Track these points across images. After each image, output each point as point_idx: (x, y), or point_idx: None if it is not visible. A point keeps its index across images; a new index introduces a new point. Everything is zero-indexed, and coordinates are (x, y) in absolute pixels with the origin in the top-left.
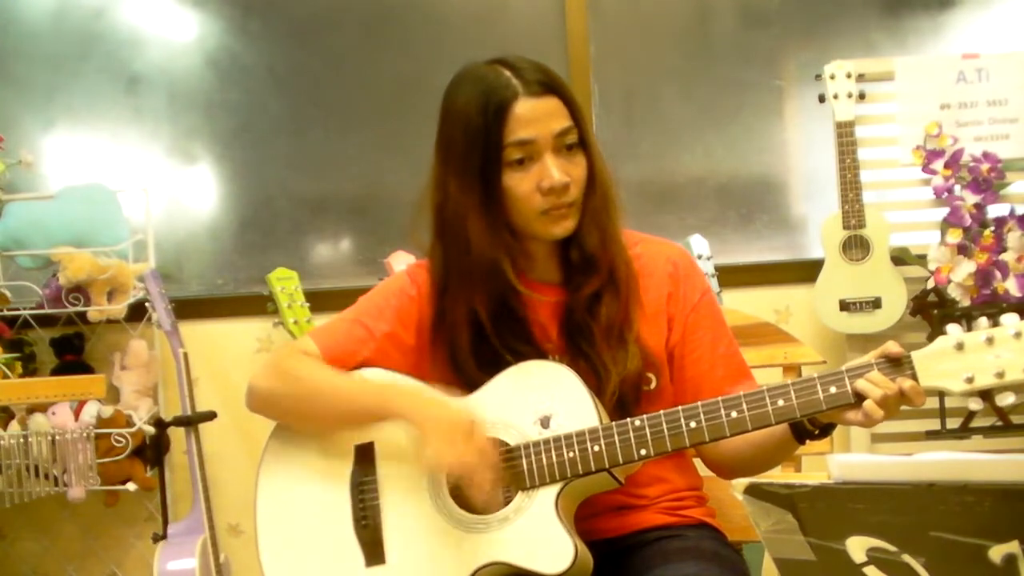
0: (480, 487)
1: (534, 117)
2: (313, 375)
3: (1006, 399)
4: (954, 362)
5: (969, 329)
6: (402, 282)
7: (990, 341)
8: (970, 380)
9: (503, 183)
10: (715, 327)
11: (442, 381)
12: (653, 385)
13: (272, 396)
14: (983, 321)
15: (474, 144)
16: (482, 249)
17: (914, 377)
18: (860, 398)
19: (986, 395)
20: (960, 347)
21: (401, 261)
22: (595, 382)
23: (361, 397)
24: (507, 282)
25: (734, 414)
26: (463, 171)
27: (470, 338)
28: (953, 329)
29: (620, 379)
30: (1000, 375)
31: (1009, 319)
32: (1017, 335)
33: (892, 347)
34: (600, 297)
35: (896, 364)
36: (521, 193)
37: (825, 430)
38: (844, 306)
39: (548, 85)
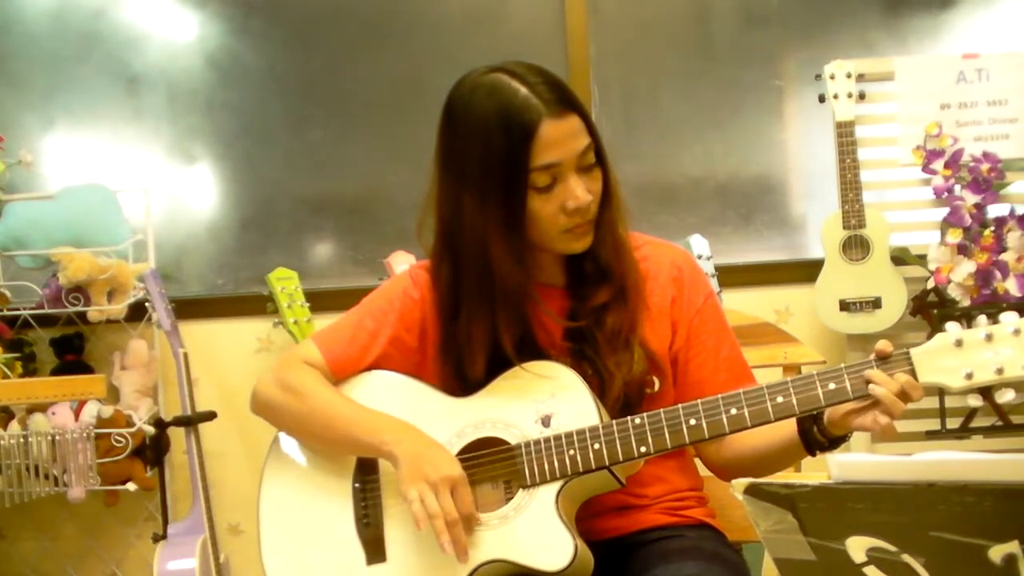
0: (449, 544)
1: (559, 139)
2: (314, 396)
3: (1005, 396)
4: (953, 359)
5: (968, 328)
6: (405, 284)
7: (989, 338)
8: (969, 376)
9: (527, 206)
10: (718, 331)
11: (443, 381)
12: (656, 388)
13: (273, 407)
14: (982, 319)
15: (496, 166)
16: (505, 275)
17: (912, 373)
18: (861, 397)
19: (985, 392)
20: (959, 344)
21: (401, 261)
22: (599, 385)
23: (356, 430)
24: (528, 304)
25: (733, 411)
26: (483, 193)
27: (486, 363)
28: (952, 327)
29: (624, 382)
30: (1000, 371)
31: (1008, 317)
32: (1016, 332)
33: (885, 345)
34: (608, 306)
35: (895, 361)
36: (546, 215)
37: (835, 442)
38: (844, 306)
39: (567, 102)
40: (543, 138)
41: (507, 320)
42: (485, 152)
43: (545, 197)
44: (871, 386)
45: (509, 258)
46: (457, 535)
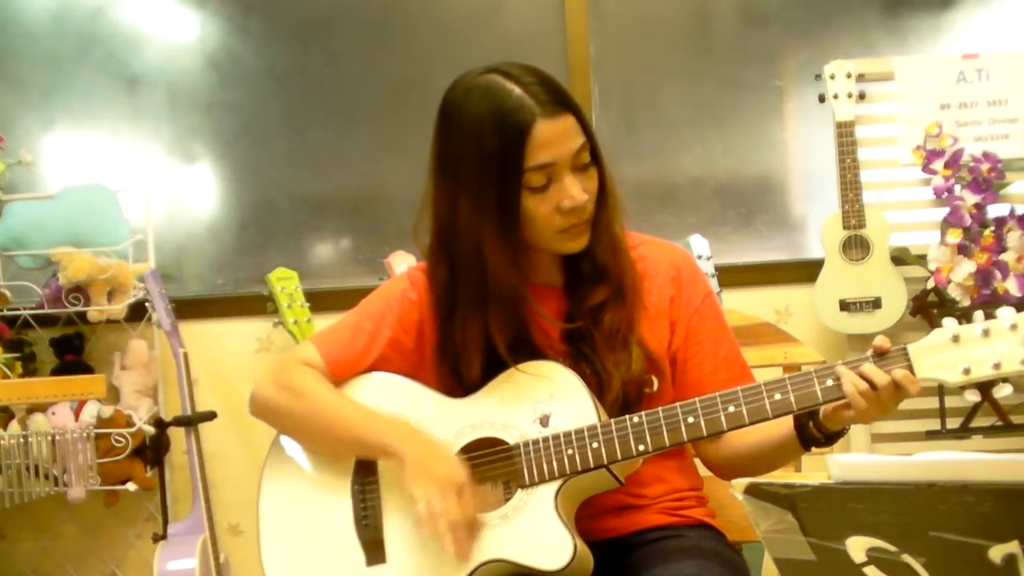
0: (451, 545)
1: (553, 139)
2: (315, 396)
3: (1003, 391)
4: (951, 354)
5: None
6: (403, 286)
7: (986, 333)
8: (967, 371)
9: (522, 206)
10: (717, 330)
11: (441, 382)
12: (655, 387)
13: (273, 409)
14: (979, 315)
15: (491, 167)
16: (500, 276)
17: (909, 368)
18: None
19: (983, 388)
20: (956, 339)
21: (401, 261)
22: (597, 385)
23: (359, 431)
24: (523, 305)
25: (731, 408)
26: (478, 194)
27: (482, 364)
28: (949, 322)
29: (623, 382)
30: (997, 366)
31: (1005, 312)
32: (1013, 327)
33: (883, 341)
34: (605, 305)
35: (892, 356)
36: (541, 215)
37: (831, 438)
38: (844, 306)
39: (561, 102)
40: (537, 138)
41: (501, 321)
42: (480, 153)
43: (540, 197)
44: (859, 383)
45: (504, 259)
46: (461, 537)
